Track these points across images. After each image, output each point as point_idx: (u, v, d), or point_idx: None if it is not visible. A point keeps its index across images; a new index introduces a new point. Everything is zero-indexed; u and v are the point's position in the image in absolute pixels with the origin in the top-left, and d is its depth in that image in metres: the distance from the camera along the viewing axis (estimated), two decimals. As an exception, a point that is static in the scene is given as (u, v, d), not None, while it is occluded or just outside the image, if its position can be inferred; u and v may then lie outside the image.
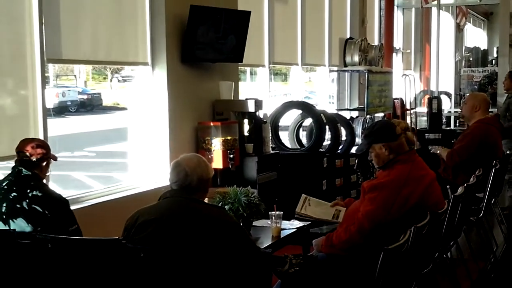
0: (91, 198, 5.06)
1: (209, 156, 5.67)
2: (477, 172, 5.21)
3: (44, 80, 4.67)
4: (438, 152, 6.08)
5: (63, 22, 4.83)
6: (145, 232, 3.03)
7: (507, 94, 7.84)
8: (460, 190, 4.45)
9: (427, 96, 12.63)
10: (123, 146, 11.53)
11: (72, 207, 3.84)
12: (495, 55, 17.35)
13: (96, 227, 4.26)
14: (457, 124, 12.49)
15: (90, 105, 23.26)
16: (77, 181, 10.67)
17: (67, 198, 3.72)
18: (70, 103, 22.01)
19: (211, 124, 5.88)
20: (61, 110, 20.40)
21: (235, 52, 6.20)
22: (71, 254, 3.11)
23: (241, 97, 6.65)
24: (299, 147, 7.33)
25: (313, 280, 3.52)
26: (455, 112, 12.87)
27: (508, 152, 7.17)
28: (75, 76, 26.42)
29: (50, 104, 4.76)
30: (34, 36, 4.54)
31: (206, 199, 3.51)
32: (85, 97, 23.45)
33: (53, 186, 3.92)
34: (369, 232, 3.52)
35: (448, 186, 4.99)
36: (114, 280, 3.02)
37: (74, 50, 5.01)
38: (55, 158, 3.77)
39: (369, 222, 3.54)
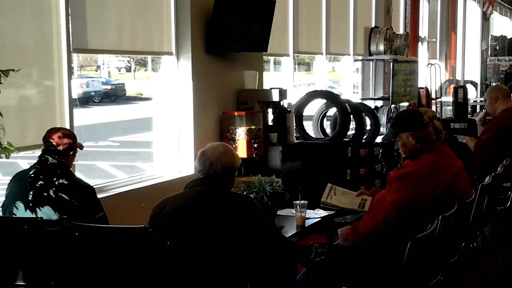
0: (116, 187, 5.09)
1: (234, 146, 5.67)
2: (504, 162, 5.15)
3: (70, 70, 4.70)
4: (464, 141, 6.02)
5: (89, 13, 4.85)
6: (172, 220, 3.04)
7: None
8: (487, 179, 4.40)
9: (452, 86, 12.51)
10: (147, 136, 11.58)
11: (98, 196, 3.86)
12: (522, 43, 17.11)
13: (121, 216, 4.27)
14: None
15: (114, 95, 23.42)
16: (102, 171, 10.76)
17: (93, 186, 3.75)
18: (94, 93, 22.19)
19: (235, 113, 5.88)
20: (86, 100, 20.58)
21: (259, 41, 6.18)
22: (98, 242, 3.12)
23: (265, 87, 6.63)
24: (323, 137, 7.30)
25: (338, 269, 3.51)
26: (480, 101, 12.71)
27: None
28: (98, 66, 26.61)
29: (74, 95, 4.77)
30: (61, 27, 4.56)
31: (232, 188, 3.51)
32: (109, 87, 23.62)
33: (78, 175, 3.94)
34: (396, 222, 3.50)
35: (475, 176, 4.94)
36: (140, 268, 3.03)
37: (99, 40, 5.03)
38: (81, 147, 3.79)
39: (395, 211, 3.51)
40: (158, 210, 3.12)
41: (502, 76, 14.95)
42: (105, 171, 10.81)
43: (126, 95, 23.88)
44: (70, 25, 4.59)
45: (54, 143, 3.62)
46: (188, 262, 2.98)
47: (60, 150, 3.61)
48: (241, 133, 5.77)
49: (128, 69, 27.31)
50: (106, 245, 3.11)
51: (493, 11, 17.11)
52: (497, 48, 16.85)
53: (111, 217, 3.70)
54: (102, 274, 3.12)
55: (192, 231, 3.00)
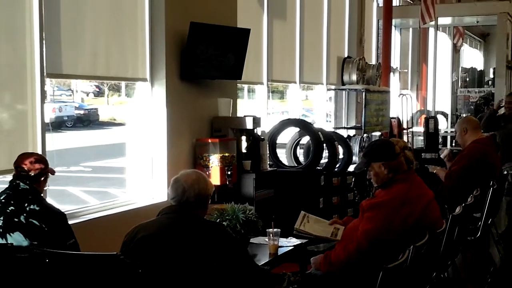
0: (87, 213, 5.04)
1: (207, 173, 5.67)
2: (474, 192, 5.21)
3: (44, 95, 4.67)
4: (435, 171, 6.10)
5: (63, 37, 4.85)
6: (144, 247, 3.02)
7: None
8: (458, 209, 4.45)
9: (423, 116, 12.67)
10: (120, 162, 11.50)
11: (69, 222, 3.82)
12: (491, 76, 17.44)
13: (92, 242, 4.24)
14: (453, 144, 12.51)
15: (87, 120, 23.26)
16: (73, 196, 10.64)
17: (64, 213, 3.71)
18: (67, 118, 22.01)
19: (209, 140, 5.89)
20: (58, 125, 20.39)
21: (234, 69, 6.22)
22: (69, 268, 3.09)
23: (239, 114, 6.66)
24: (296, 165, 7.33)
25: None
26: (451, 132, 12.89)
27: (505, 172, 7.18)
28: (72, 91, 26.44)
29: (47, 119, 4.75)
30: (35, 51, 4.55)
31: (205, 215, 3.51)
32: (82, 112, 23.46)
33: (49, 201, 3.90)
34: (368, 251, 3.52)
35: (446, 206, 5.00)
36: (111, 295, 3.00)
37: (73, 66, 5.02)
38: (53, 172, 3.76)
39: (367, 240, 3.53)
40: (131, 237, 3.10)
41: (472, 107, 15.19)
42: (76, 196, 10.69)
43: (99, 120, 23.74)
44: (44, 50, 4.58)
45: (25, 168, 3.59)
46: (160, 290, 2.97)
47: (31, 175, 3.58)
48: (214, 160, 5.77)
49: (97, 94, 27.14)
50: (77, 272, 3.07)
51: (463, 43, 17.46)
52: (467, 79, 17.15)
53: (83, 243, 3.66)
54: (72, 301, 3.08)
55: (164, 258, 2.98)
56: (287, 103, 9.83)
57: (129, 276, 2.94)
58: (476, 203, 5.15)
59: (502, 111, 8.12)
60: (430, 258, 3.77)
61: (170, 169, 5.57)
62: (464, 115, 13.03)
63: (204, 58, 5.84)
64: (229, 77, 6.28)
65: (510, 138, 7.55)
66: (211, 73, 6.01)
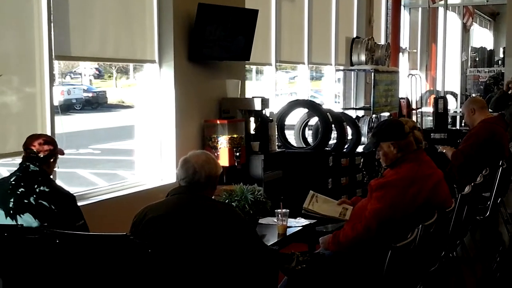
0: (96, 195, 5.07)
1: (215, 154, 5.68)
2: (484, 172, 5.20)
3: (52, 78, 4.68)
4: (444, 151, 6.09)
5: (72, 20, 4.84)
6: (153, 228, 3.04)
7: None
8: (467, 189, 4.45)
9: (433, 96, 12.61)
10: (129, 144, 11.54)
11: (78, 204, 3.85)
12: (501, 55, 17.32)
13: (101, 224, 4.26)
14: (463, 124, 12.47)
15: (96, 102, 23.31)
16: (83, 178, 10.70)
17: (74, 194, 3.73)
18: (75, 101, 22.06)
19: (218, 122, 5.89)
20: (67, 107, 20.45)
21: (242, 50, 6.20)
22: (79, 249, 3.11)
23: (248, 96, 6.65)
24: (305, 146, 7.33)
25: (319, 277, 3.52)
26: (460, 112, 12.84)
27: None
28: (80, 74, 26.47)
29: (56, 102, 4.76)
30: (43, 34, 4.55)
31: (213, 196, 3.52)
32: (90, 95, 23.51)
33: (58, 183, 3.92)
34: (376, 230, 3.52)
35: (455, 185, 4.99)
36: (121, 275, 3.02)
37: (82, 48, 5.02)
38: (62, 153, 3.78)
39: (376, 220, 3.54)
40: (140, 218, 3.12)
41: (482, 87, 15.10)
42: (86, 179, 10.75)
43: (108, 102, 23.78)
44: (52, 32, 4.58)
45: (35, 150, 3.60)
46: (170, 270, 2.98)
47: (41, 157, 3.60)
48: (223, 142, 5.78)
49: (97, 77, 27.16)
50: (87, 253, 3.09)
51: (473, 22, 17.32)
52: (477, 59, 17.04)
53: (92, 225, 3.68)
54: (83, 282, 3.10)
55: (174, 238, 3.00)
56: (296, 84, 9.79)
57: (138, 257, 2.96)
58: (485, 183, 5.14)
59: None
60: (439, 237, 3.78)
61: (178, 151, 5.58)
62: (473, 95, 12.96)
63: (212, 39, 5.82)
64: (237, 58, 6.27)
65: None
66: (219, 54, 5.99)
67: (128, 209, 3.58)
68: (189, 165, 3.18)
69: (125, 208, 4.20)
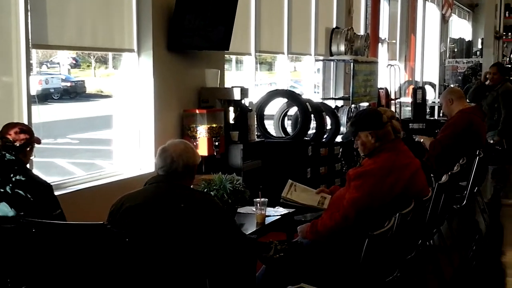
0: (74, 184, 5.03)
1: (194, 144, 5.67)
2: (461, 161, 5.25)
3: (29, 66, 4.62)
4: (421, 141, 6.14)
5: (49, 8, 4.78)
6: (131, 217, 3.03)
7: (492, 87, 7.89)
8: (444, 178, 4.49)
9: (411, 87, 12.70)
10: (107, 134, 11.47)
11: (55, 193, 3.82)
12: (479, 46, 17.47)
13: (79, 213, 4.24)
14: (441, 114, 12.57)
15: (74, 92, 23.10)
16: (60, 168, 10.62)
17: (50, 183, 3.70)
18: (53, 90, 21.85)
19: (197, 111, 5.87)
20: (45, 97, 20.25)
21: (221, 40, 6.18)
22: (56, 238, 3.09)
23: (227, 85, 6.64)
24: (284, 136, 7.34)
25: (297, 265, 3.53)
26: (438, 102, 12.95)
27: (491, 141, 7.25)
28: (58, 63, 26.21)
29: (33, 91, 4.71)
30: (20, 22, 4.48)
31: (192, 186, 3.51)
32: (68, 84, 23.28)
33: (35, 172, 3.89)
34: (354, 219, 3.55)
35: (432, 175, 5.03)
36: (98, 264, 3.01)
37: (59, 36, 4.96)
38: (38, 141, 3.74)
39: (354, 209, 3.56)
40: (117, 207, 3.11)
41: (460, 77, 15.23)
42: (64, 168, 10.67)
43: (86, 92, 23.59)
44: (29, 21, 4.52)
45: (11, 139, 3.57)
46: (147, 259, 2.98)
47: (17, 146, 3.56)
48: (202, 131, 5.77)
49: (74, 66, 26.90)
50: (64, 242, 3.08)
51: (452, 13, 17.41)
52: (456, 50, 17.15)
53: (70, 214, 3.66)
54: (60, 271, 3.09)
55: (152, 227, 2.99)
56: (275, 75, 9.80)
57: (115, 246, 2.95)
58: (462, 172, 5.19)
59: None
60: (416, 226, 3.81)
61: (157, 140, 5.55)
62: (451, 86, 13.06)
63: (192, 28, 5.80)
64: (217, 47, 6.24)
65: (493, 107, 7.60)
66: (199, 43, 5.97)
67: (106, 199, 3.56)
68: (167, 154, 3.17)
69: (103, 198, 4.18)
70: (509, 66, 19.67)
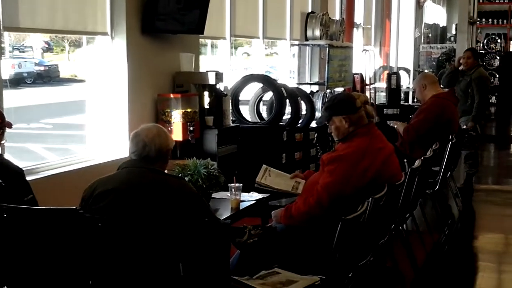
0: (47, 169, 4.98)
1: (169, 128, 5.64)
2: (433, 146, 5.29)
3: (1, 50, 4.55)
4: (395, 126, 6.17)
5: (20, -11, 4.71)
6: (103, 202, 3.01)
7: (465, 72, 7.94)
8: (417, 163, 4.52)
9: (386, 72, 12.75)
10: (81, 118, 11.34)
11: (28, 178, 3.78)
12: (453, 32, 17.59)
13: (52, 198, 4.19)
14: (415, 100, 12.66)
15: (47, 76, 22.81)
16: (34, 153, 10.50)
17: (22, 169, 3.66)
18: (26, 75, 21.54)
19: (171, 96, 5.84)
20: (17, 81, 19.97)
21: (196, 24, 6.13)
22: (28, 223, 3.06)
23: (202, 70, 6.60)
24: (259, 121, 7.33)
25: (271, 250, 3.54)
26: (413, 88, 13.03)
27: (464, 127, 7.31)
28: (31, 47, 25.84)
29: (5, 76, 4.64)
30: (-10, 4, 4.41)
31: (166, 171, 3.50)
32: (42, 68, 22.98)
33: (9, 158, 3.84)
34: (328, 204, 3.56)
35: (405, 160, 5.06)
36: (71, 249, 2.99)
37: (31, 19, 4.89)
38: (10, 126, 3.69)
39: (328, 194, 3.57)
40: (90, 192, 3.08)
41: (434, 63, 15.34)
42: (37, 153, 10.55)
43: (60, 76, 23.31)
44: (0, 3, 4.44)
45: (-19, 124, 3.51)
46: (120, 244, 2.96)
47: (-13, 130, 3.51)
48: (176, 116, 5.74)
49: (46, 50, 26.54)
50: (37, 227, 3.05)
51: (427, -1, 17.50)
52: (430, 36, 17.25)
53: (43, 199, 3.63)
54: (32, 256, 3.06)
55: (125, 212, 2.98)
56: (251, 60, 9.77)
57: (88, 231, 2.93)
58: (435, 157, 5.24)
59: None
60: (388, 210, 3.84)
61: (131, 125, 5.51)
62: (426, 71, 13.14)
63: (166, 11, 5.74)
64: (191, 31, 6.20)
65: (466, 92, 7.66)
66: (173, 27, 5.91)
67: (79, 184, 3.53)
68: (139, 139, 3.15)
69: (76, 183, 4.13)
70: (483, 51, 19.87)
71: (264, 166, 4.11)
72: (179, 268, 2.97)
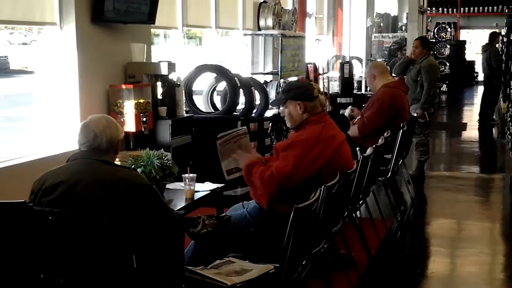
0: (-5, 163, 4.88)
1: (122, 120, 5.57)
2: (385, 134, 5.36)
3: None
4: (353, 112, 6.26)
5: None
6: (53, 195, 2.96)
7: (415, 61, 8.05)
8: (369, 151, 4.57)
9: (339, 61, 12.85)
10: (30, 111, 11.13)
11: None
12: (404, 21, 17.81)
13: (0, 192, 4.12)
14: (368, 89, 12.81)
15: (-4, 68, 22.30)
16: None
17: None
18: (-26, 66, 21.03)
19: (123, 86, 5.76)
20: (-35, 73, 19.46)
21: (147, 13, 6.06)
22: (-25, 219, 2.98)
23: (155, 60, 6.53)
24: (213, 111, 7.30)
25: (226, 240, 3.54)
26: (364, 77, 13.17)
27: (415, 115, 7.43)
28: (-21, 38, 25.12)
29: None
30: None
31: (119, 162, 3.46)
32: (-10, 60, 22.44)
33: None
34: (276, 187, 3.55)
35: (357, 148, 5.12)
36: (21, 243, 2.93)
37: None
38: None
39: (279, 177, 3.56)
40: (39, 185, 3.03)
41: (386, 52, 15.53)
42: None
43: (10, 68, 22.79)
44: None
45: None
46: (71, 236, 2.92)
47: None
48: (129, 107, 5.67)
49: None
50: (-16, 222, 2.97)
51: (378, -11, 17.67)
52: (382, 25, 17.44)
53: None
54: (-20, 252, 2.99)
55: (75, 205, 2.93)
56: (204, 49, 9.71)
57: (38, 224, 2.88)
58: (386, 145, 5.30)
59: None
60: (341, 198, 3.87)
61: (82, 117, 5.41)
62: (378, 60, 13.29)
63: (117, 0, 5.65)
64: (143, 21, 6.11)
65: (416, 80, 7.78)
66: (124, 17, 5.82)
67: (29, 177, 3.45)
68: (89, 130, 3.11)
69: (25, 176, 4.05)
70: (434, 40, 20.20)
71: (245, 128, 4.13)
72: (132, 260, 2.94)
